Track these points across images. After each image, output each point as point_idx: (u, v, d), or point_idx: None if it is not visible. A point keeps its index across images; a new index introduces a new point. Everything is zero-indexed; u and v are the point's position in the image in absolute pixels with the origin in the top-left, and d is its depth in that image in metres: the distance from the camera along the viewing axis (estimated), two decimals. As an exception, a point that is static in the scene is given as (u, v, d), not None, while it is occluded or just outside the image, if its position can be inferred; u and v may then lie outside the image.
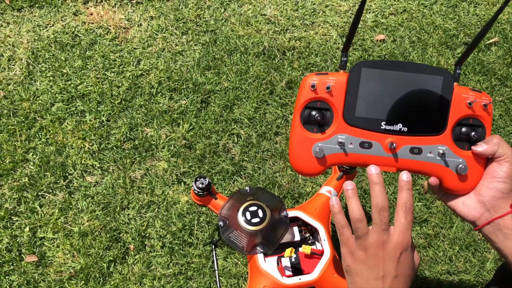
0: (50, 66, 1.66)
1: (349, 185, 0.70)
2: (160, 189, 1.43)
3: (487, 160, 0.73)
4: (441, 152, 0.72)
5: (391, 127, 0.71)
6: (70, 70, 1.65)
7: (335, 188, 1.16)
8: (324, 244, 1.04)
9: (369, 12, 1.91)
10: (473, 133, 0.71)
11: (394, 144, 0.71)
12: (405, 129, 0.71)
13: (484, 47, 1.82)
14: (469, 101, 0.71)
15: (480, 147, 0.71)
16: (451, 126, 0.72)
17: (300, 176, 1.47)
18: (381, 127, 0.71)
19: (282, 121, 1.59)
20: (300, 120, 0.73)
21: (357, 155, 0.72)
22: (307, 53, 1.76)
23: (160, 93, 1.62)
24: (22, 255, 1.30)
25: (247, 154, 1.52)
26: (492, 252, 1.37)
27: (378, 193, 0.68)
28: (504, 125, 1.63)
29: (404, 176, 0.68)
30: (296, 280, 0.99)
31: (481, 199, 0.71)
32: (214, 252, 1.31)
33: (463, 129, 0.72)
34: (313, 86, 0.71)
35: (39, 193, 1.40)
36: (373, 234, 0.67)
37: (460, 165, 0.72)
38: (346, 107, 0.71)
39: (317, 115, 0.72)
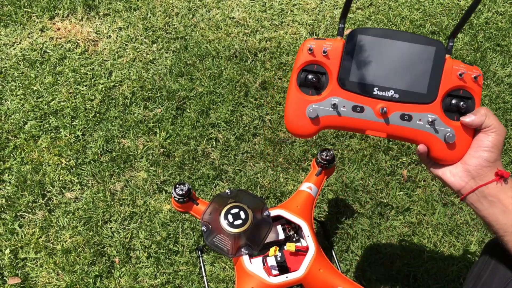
0: (20, 85, 1.63)
1: None
2: (141, 199, 1.42)
3: (474, 132, 0.75)
4: (430, 120, 0.74)
5: (383, 93, 0.74)
6: (41, 87, 1.63)
7: (315, 184, 1.17)
8: (308, 240, 1.05)
9: (336, 8, 1.93)
10: (462, 103, 0.74)
11: (385, 109, 0.73)
12: (397, 96, 0.74)
13: (451, 34, 1.86)
14: (460, 73, 0.73)
15: (468, 118, 0.73)
16: (442, 96, 0.74)
17: (281, 175, 1.48)
18: (374, 93, 0.74)
19: (259, 122, 1.59)
20: (297, 82, 0.76)
21: (349, 119, 0.75)
22: (278, 53, 1.77)
23: (134, 103, 1.61)
24: (5, 278, 1.27)
25: (226, 157, 1.52)
26: (475, 235, 1.40)
27: None
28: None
29: None
30: (283, 278, 0.99)
31: (467, 168, 0.74)
32: (200, 258, 1.30)
33: (453, 101, 0.75)
34: (310, 49, 0.74)
35: (18, 214, 1.37)
36: None
37: (448, 134, 0.74)
38: (341, 71, 0.74)
39: (313, 77, 0.74)
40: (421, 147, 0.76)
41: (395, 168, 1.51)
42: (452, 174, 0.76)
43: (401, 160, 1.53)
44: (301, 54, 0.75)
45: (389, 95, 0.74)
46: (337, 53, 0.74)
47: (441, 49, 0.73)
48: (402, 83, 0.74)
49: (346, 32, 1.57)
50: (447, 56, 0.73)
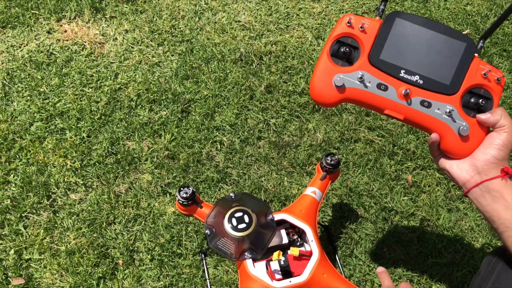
0: (26, 86, 1.64)
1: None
2: (145, 201, 1.42)
3: (488, 131, 0.77)
4: (448, 111, 0.77)
5: (409, 77, 0.77)
6: (47, 88, 1.64)
7: (319, 189, 1.16)
8: (312, 245, 1.04)
9: (342, 12, 1.94)
10: (481, 100, 0.76)
11: (408, 91, 0.76)
12: (421, 82, 0.77)
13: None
14: (484, 72, 0.76)
15: (485, 115, 0.75)
16: (463, 91, 0.77)
17: (285, 179, 1.48)
18: (400, 75, 0.77)
19: (264, 126, 1.59)
20: (329, 51, 0.79)
21: (372, 95, 0.78)
22: (284, 57, 1.77)
23: (140, 106, 1.62)
24: (9, 278, 1.27)
25: (231, 160, 1.52)
26: (480, 241, 1.39)
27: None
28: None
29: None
30: (286, 283, 0.99)
31: (475, 162, 0.75)
32: (204, 261, 1.30)
33: (473, 99, 0.77)
34: (349, 22, 0.78)
35: (23, 214, 1.38)
36: None
37: (463, 127, 0.76)
38: (373, 48, 0.77)
39: (346, 48, 0.78)
40: (434, 136, 0.78)
41: (400, 173, 1.51)
42: (459, 168, 0.77)
43: (406, 165, 1.52)
44: (339, 25, 0.79)
45: (414, 80, 0.77)
46: (373, 31, 0.77)
47: (471, 47, 0.76)
48: (428, 71, 0.76)
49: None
50: (476, 55, 0.76)
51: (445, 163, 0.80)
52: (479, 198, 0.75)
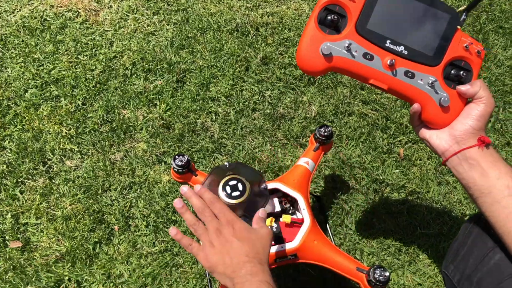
0: (20, 52, 1.63)
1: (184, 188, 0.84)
2: (141, 170, 1.44)
3: (466, 102, 0.80)
4: (431, 82, 0.79)
5: (394, 47, 0.78)
6: (41, 55, 1.63)
7: (312, 159, 1.18)
8: (304, 213, 1.07)
9: None
10: (462, 73, 0.78)
11: (393, 61, 0.77)
12: (406, 52, 0.78)
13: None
14: (466, 44, 0.78)
15: (464, 87, 0.78)
16: (445, 62, 0.79)
17: (279, 150, 1.49)
18: (386, 45, 0.78)
19: (259, 97, 1.60)
20: (317, 19, 0.79)
21: (358, 64, 0.78)
22: (280, 28, 1.77)
23: (135, 75, 1.61)
24: (6, 241, 1.30)
25: (226, 131, 1.53)
26: (468, 214, 1.43)
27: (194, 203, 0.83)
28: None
29: (183, 190, 0.84)
30: (278, 248, 1.02)
31: (454, 133, 0.78)
32: (198, 228, 1.33)
33: (453, 71, 0.79)
34: None
35: (19, 180, 1.39)
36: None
37: (444, 98, 0.79)
38: (360, 17, 0.78)
39: (334, 16, 0.78)
40: (416, 106, 0.81)
41: (392, 147, 1.53)
42: (439, 138, 0.81)
43: (398, 139, 1.55)
44: None
45: (399, 50, 0.78)
46: (361, 1, 0.78)
47: (455, 19, 0.77)
48: (413, 42, 0.78)
49: None
50: (458, 27, 0.77)
51: (425, 133, 0.83)
52: (457, 166, 0.78)
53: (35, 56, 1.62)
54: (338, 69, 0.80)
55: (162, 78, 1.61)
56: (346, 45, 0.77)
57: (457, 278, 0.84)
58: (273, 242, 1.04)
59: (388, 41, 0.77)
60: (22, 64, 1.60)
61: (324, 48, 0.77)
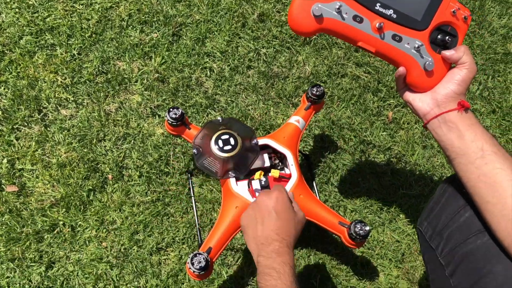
0: (15, -2, 1.61)
1: None
2: (135, 121, 1.46)
3: (450, 67, 0.83)
4: (417, 46, 0.81)
5: (383, 10, 0.79)
6: (36, 1, 1.61)
7: (303, 118, 1.22)
8: (291, 168, 1.12)
9: None
10: (448, 38, 0.80)
11: (382, 25, 0.78)
12: (394, 16, 0.79)
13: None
14: (453, 10, 0.80)
15: (449, 52, 0.81)
16: (432, 27, 0.80)
17: (272, 109, 1.52)
18: (375, 8, 0.79)
19: (255, 55, 1.61)
20: None
21: (347, 26, 0.80)
22: (278, -15, 1.75)
23: (131, 26, 1.61)
24: (2, 186, 1.34)
25: (220, 87, 1.55)
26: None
27: None
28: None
29: None
30: (265, 201, 1.07)
31: (436, 96, 0.82)
32: (190, 180, 1.38)
33: (439, 36, 0.81)
34: None
35: (14, 127, 1.41)
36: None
37: (428, 62, 0.81)
38: None
39: None
40: (401, 70, 0.84)
41: (382, 109, 1.57)
42: (421, 101, 0.84)
43: (388, 102, 1.58)
44: None
45: (388, 14, 0.79)
46: None
47: None
48: (402, 5, 0.79)
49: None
50: None
51: (408, 96, 0.87)
52: (437, 128, 0.82)
53: (30, 2, 1.60)
54: (328, 30, 0.81)
55: (158, 31, 1.61)
56: (337, 6, 0.78)
57: (429, 234, 0.90)
58: (261, 195, 1.09)
59: (378, 4, 0.78)
60: (17, 10, 1.59)
61: (315, 9, 0.78)
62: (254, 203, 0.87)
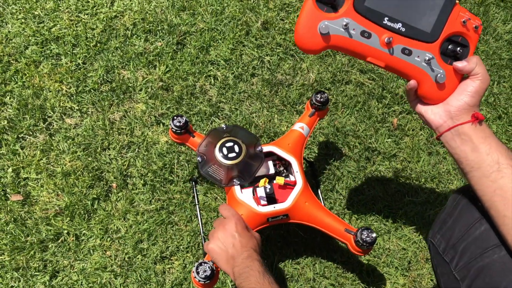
0: (20, 8, 1.63)
1: None
2: (139, 130, 1.46)
3: (462, 78, 0.81)
4: (427, 58, 0.79)
5: (392, 24, 0.78)
6: (42, 12, 1.62)
7: (307, 125, 1.22)
8: (296, 175, 1.11)
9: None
10: (459, 49, 0.79)
11: (391, 39, 0.77)
12: (403, 29, 0.78)
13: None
14: (464, 20, 0.78)
15: (461, 63, 0.79)
16: (442, 38, 0.79)
17: (276, 116, 1.52)
18: (383, 22, 0.78)
19: (258, 63, 1.62)
20: None
21: (356, 42, 0.79)
22: (282, -6, 1.76)
23: (135, 35, 1.62)
24: (7, 195, 1.34)
25: (224, 95, 1.55)
26: (455, 184, 1.47)
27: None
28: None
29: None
30: (270, 208, 1.06)
31: (448, 108, 0.80)
32: (194, 188, 1.37)
33: (451, 47, 0.80)
34: None
35: (20, 136, 1.42)
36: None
37: (440, 75, 0.80)
38: None
39: None
40: (413, 83, 0.82)
41: (386, 116, 1.56)
42: (433, 113, 0.82)
43: (392, 109, 1.57)
44: None
45: (396, 27, 0.78)
46: None
47: None
48: (411, 18, 0.78)
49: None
50: (457, 2, 0.77)
51: (420, 108, 0.85)
52: (450, 141, 0.80)
53: (36, 12, 1.62)
54: (336, 47, 0.80)
55: (163, 40, 1.62)
56: (344, 23, 0.77)
57: (442, 247, 0.88)
58: (266, 202, 1.09)
59: (385, 18, 0.77)
60: (23, 20, 1.60)
61: (322, 27, 0.77)
62: (215, 237, 0.93)
